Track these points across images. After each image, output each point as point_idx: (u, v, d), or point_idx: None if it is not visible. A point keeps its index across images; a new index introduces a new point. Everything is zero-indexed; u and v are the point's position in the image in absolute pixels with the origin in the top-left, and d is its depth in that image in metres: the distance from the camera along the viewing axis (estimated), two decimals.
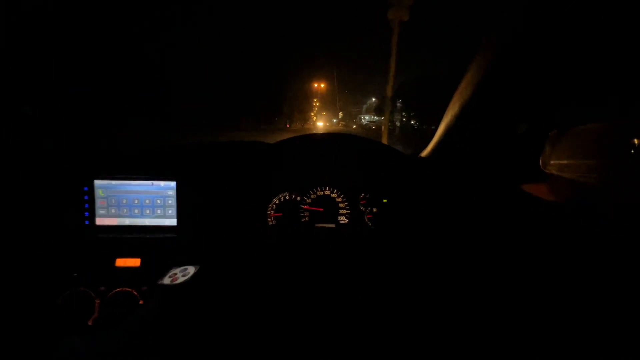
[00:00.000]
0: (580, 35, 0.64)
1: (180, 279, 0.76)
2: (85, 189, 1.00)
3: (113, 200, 1.01)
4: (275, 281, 1.04)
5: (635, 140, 0.71)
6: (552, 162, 0.77)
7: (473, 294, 0.88)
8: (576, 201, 0.71)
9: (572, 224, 0.70)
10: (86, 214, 1.00)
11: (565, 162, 0.74)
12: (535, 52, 0.69)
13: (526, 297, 0.75)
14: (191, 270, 0.80)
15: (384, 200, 1.10)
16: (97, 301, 0.91)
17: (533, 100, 0.84)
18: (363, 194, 1.11)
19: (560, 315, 0.68)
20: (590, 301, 0.64)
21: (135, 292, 0.92)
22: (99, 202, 1.01)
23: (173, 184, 1.01)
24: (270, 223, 1.09)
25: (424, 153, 1.18)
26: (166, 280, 0.77)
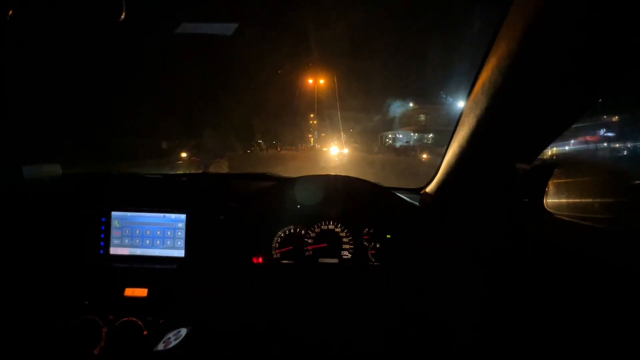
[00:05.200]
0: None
1: (173, 343, 0.79)
2: (103, 219, 1.07)
3: (127, 230, 1.07)
4: (277, 317, 1.04)
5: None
6: (553, 200, 0.76)
7: (474, 331, 0.85)
8: (577, 240, 0.69)
9: (573, 264, 0.67)
10: (101, 243, 1.06)
11: (564, 201, 0.73)
12: (535, 90, 0.71)
13: (528, 337, 0.72)
14: (183, 332, 0.83)
15: (388, 236, 1.10)
16: (105, 329, 0.94)
17: (532, 138, 0.84)
18: (367, 229, 1.11)
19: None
20: (591, 343, 0.60)
21: (140, 323, 0.94)
22: (114, 233, 1.07)
23: (183, 216, 1.06)
24: (275, 257, 1.11)
25: (429, 189, 1.19)
26: (160, 347, 0.80)
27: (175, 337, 0.79)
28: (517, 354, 0.76)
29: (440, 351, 0.99)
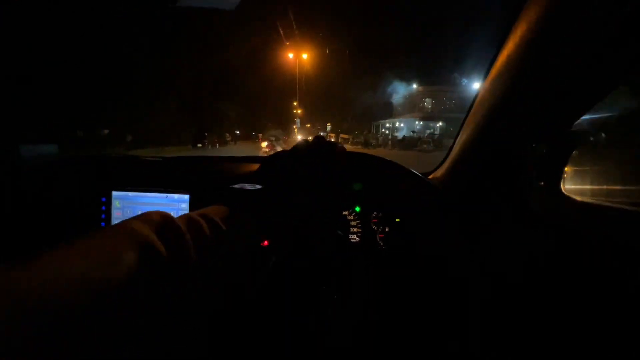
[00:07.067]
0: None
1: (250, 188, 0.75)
2: (104, 199, 1.03)
3: (128, 211, 1.03)
4: (282, 301, 1.03)
5: None
6: (573, 186, 0.74)
7: (485, 317, 0.84)
8: (598, 228, 0.67)
9: (591, 250, 0.66)
10: (102, 224, 1.03)
11: (588, 186, 0.71)
12: (555, 64, 0.67)
13: (540, 323, 0.71)
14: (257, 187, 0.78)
15: (397, 220, 1.08)
16: None
17: (552, 119, 0.82)
18: (375, 213, 1.09)
19: (574, 346, 0.63)
20: (606, 332, 0.59)
21: None
22: (115, 213, 1.03)
23: (187, 196, 1.03)
24: (281, 239, 1.08)
25: (438, 173, 1.16)
26: (237, 186, 0.76)
27: (250, 186, 0.75)
28: (529, 348, 0.75)
29: (445, 341, 0.98)
